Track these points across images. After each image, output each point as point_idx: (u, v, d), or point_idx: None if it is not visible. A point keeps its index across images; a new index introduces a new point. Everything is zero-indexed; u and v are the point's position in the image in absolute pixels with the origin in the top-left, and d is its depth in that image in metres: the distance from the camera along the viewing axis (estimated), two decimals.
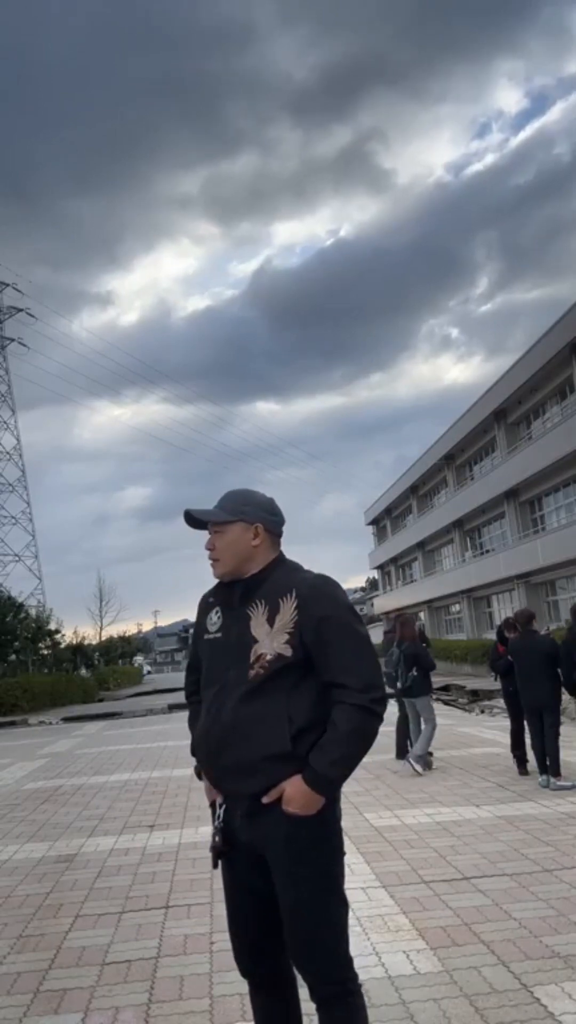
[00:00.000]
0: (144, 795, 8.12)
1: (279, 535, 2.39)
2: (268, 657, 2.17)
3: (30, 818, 7.37)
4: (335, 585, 2.30)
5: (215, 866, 2.29)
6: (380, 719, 2.14)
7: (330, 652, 2.15)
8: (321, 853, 2.19)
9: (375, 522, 59.34)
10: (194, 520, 2.36)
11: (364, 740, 2.14)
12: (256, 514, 2.33)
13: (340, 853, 2.25)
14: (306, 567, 2.38)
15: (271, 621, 2.20)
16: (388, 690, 9.80)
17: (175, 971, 3.52)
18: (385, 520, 56.32)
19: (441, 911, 4.05)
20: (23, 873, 5.43)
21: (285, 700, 2.16)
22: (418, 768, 8.00)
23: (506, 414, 32.96)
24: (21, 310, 55.78)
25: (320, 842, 2.18)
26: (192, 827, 6.40)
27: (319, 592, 2.22)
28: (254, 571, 2.30)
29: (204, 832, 6.18)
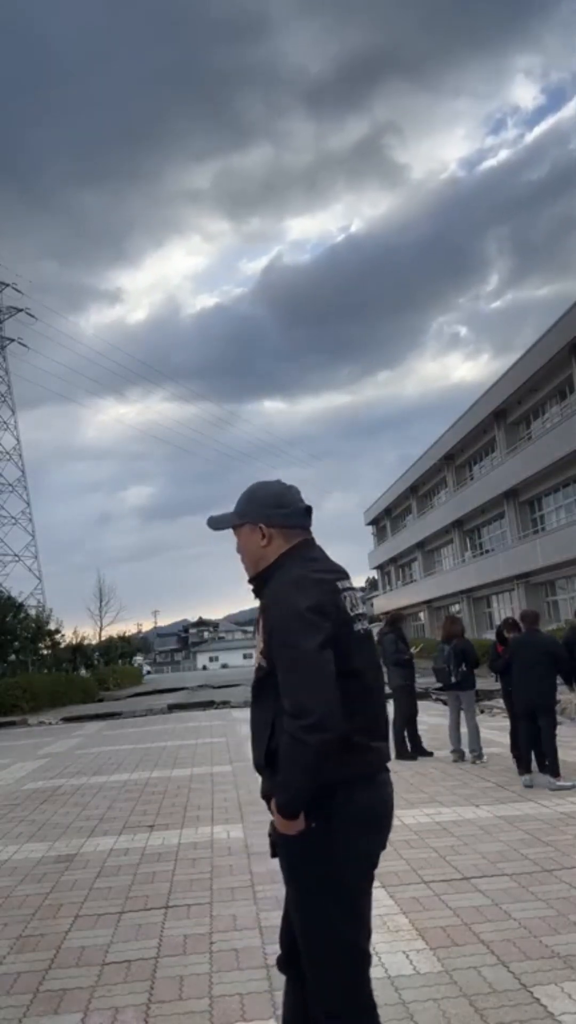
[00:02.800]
0: (144, 795, 8.12)
1: (294, 527, 2.23)
2: (255, 666, 2.16)
3: (30, 818, 7.37)
4: (289, 588, 2.07)
5: (272, 856, 2.20)
6: (310, 747, 1.90)
7: (277, 668, 2.01)
8: (299, 880, 2.06)
9: (375, 522, 59.36)
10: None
11: (295, 768, 1.94)
12: (258, 513, 2.22)
13: (334, 887, 2.02)
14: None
15: (258, 627, 2.15)
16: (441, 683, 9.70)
17: (175, 971, 3.52)
18: (385, 520, 56.34)
19: (441, 911, 4.05)
20: (23, 873, 5.43)
21: (272, 710, 2.07)
22: (483, 760, 8.60)
23: (506, 414, 32.98)
24: (21, 310, 55.86)
25: (300, 865, 2.05)
26: (192, 827, 6.40)
27: (271, 599, 2.09)
28: (260, 572, 2.22)
29: (203, 832, 6.18)
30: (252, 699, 2.19)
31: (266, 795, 2.14)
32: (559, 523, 28.92)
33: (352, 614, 2.15)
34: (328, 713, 1.91)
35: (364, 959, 2.09)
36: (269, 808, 2.11)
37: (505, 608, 32.82)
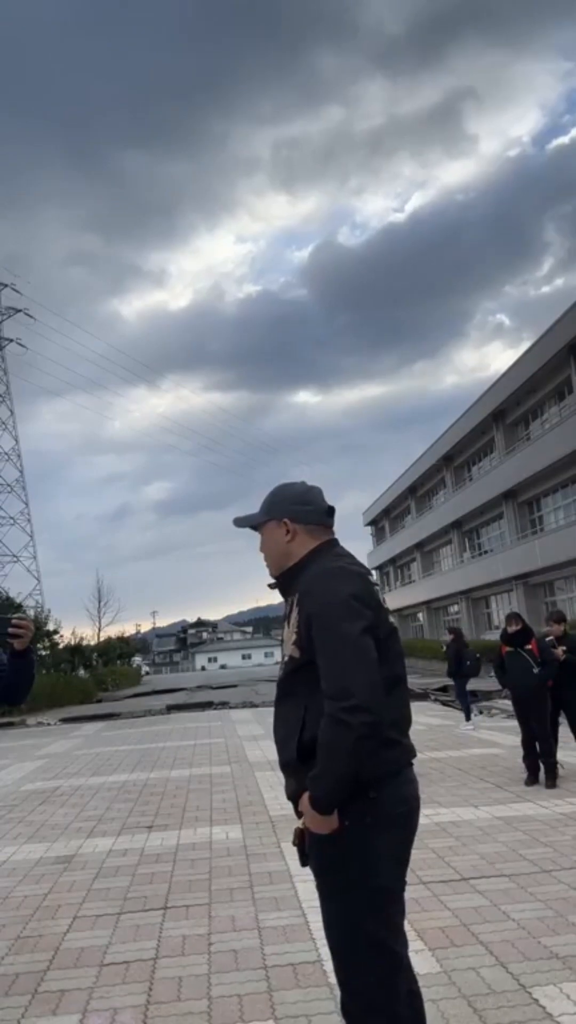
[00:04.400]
0: (143, 796, 8.12)
1: (319, 525, 2.28)
2: (285, 659, 2.16)
3: (28, 819, 7.36)
4: (330, 577, 2.10)
5: (303, 864, 2.17)
6: (352, 730, 1.88)
7: (317, 654, 2.01)
8: (330, 882, 2.05)
9: (373, 523, 59.33)
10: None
11: (334, 755, 1.91)
12: (283, 509, 2.26)
13: (366, 889, 2.00)
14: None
15: (288, 620, 2.17)
16: None
17: (173, 972, 3.52)
18: (383, 521, 56.33)
19: (439, 912, 4.05)
20: (21, 874, 5.42)
21: (303, 704, 2.07)
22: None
23: (504, 415, 32.98)
24: (20, 310, 55.80)
25: (332, 866, 2.04)
26: (191, 828, 6.39)
27: (310, 587, 2.11)
28: (289, 567, 2.25)
29: (202, 833, 6.18)
30: (280, 694, 2.18)
31: (293, 796, 2.10)
32: (558, 524, 28.92)
33: (385, 607, 2.19)
34: (371, 696, 1.91)
35: (398, 963, 2.04)
36: (296, 811, 2.08)
37: (504, 609, 32.81)
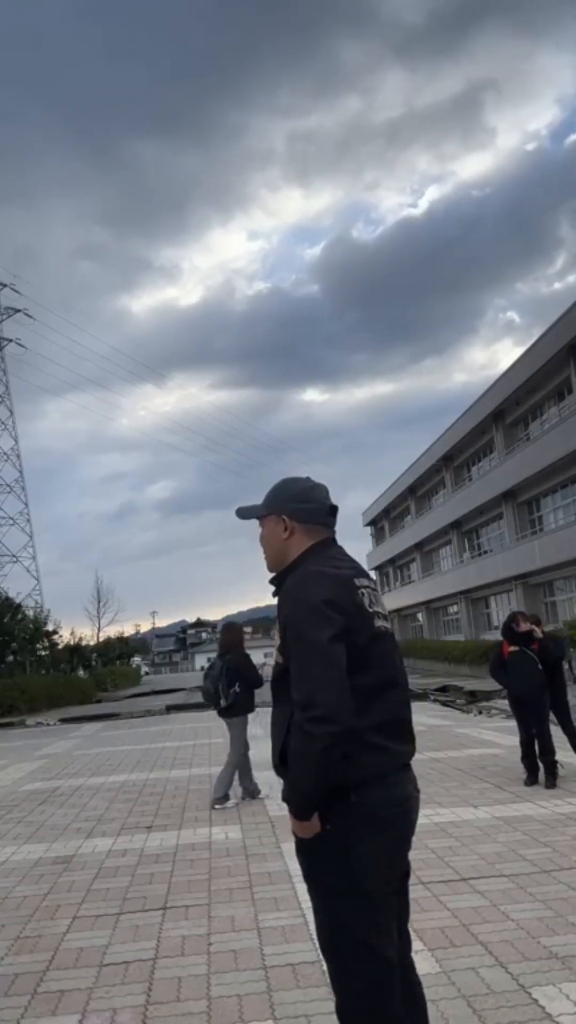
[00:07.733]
0: (142, 796, 8.12)
1: (316, 524, 2.26)
2: (273, 663, 2.16)
3: (28, 819, 7.36)
4: (305, 582, 2.08)
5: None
6: (317, 740, 1.88)
7: (290, 661, 2.02)
8: (317, 885, 2.07)
9: (373, 523, 59.34)
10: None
11: (304, 763, 1.93)
12: (282, 506, 2.25)
13: (352, 892, 1.99)
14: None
15: (277, 625, 2.18)
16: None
17: (173, 972, 3.52)
18: (383, 521, 56.33)
19: (439, 912, 4.05)
20: (21, 874, 5.42)
21: (289, 709, 2.05)
22: (219, 806, 7.06)
23: (504, 415, 32.99)
24: (19, 310, 55.67)
25: (317, 869, 2.06)
26: (190, 828, 6.39)
27: (288, 592, 2.11)
28: (284, 567, 2.24)
29: (202, 833, 6.18)
30: (272, 699, 2.19)
31: (286, 799, 2.11)
32: (557, 524, 28.93)
33: (371, 611, 2.13)
34: (336, 705, 1.90)
35: (389, 968, 2.02)
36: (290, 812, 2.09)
37: (503, 609, 32.82)
